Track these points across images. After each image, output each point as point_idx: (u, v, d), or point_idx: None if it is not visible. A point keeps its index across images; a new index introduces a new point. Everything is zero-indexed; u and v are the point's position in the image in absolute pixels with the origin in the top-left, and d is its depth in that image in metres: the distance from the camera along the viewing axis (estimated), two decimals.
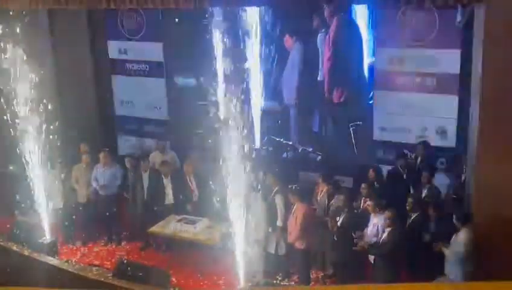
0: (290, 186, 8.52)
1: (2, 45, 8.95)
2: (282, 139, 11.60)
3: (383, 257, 7.63)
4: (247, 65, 11.40)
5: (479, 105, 7.53)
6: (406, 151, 9.76)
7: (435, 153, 9.70)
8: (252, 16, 11.30)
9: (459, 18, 9.10)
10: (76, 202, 10.18)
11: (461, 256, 7.11)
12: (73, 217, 10.14)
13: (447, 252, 7.24)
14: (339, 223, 8.09)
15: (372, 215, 7.97)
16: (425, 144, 9.53)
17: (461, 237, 7.18)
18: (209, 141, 7.50)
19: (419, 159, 9.43)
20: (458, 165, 9.17)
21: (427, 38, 9.61)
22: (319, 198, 8.86)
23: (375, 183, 8.95)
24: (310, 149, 11.46)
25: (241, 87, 7.35)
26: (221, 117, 7.25)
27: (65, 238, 10.19)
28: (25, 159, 9.23)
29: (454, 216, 7.28)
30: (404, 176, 9.18)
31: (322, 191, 8.87)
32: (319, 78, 11.02)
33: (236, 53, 7.84)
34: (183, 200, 9.73)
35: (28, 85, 9.08)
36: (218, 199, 7.52)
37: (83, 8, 10.39)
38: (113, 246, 10.09)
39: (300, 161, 11.33)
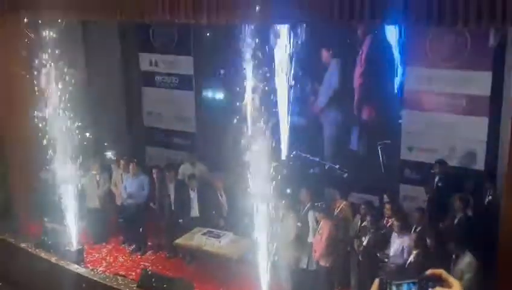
0: (316, 204, 8.52)
1: (36, 54, 9.18)
2: (308, 155, 11.61)
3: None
4: (277, 80, 11.50)
5: (510, 127, 7.43)
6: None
7: (463, 175, 9.59)
8: (284, 30, 11.38)
9: (491, 40, 9.03)
10: (113, 204, 10.46)
11: (467, 282, 6.95)
12: (109, 218, 10.55)
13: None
14: (364, 243, 8.05)
15: (396, 235, 7.91)
16: (441, 162, 9.42)
17: (462, 264, 7.07)
18: (238, 155, 7.55)
19: (436, 178, 9.35)
20: (484, 188, 9.06)
21: (458, 59, 9.56)
22: (337, 213, 8.82)
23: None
24: (337, 166, 11.45)
25: (270, 102, 7.40)
26: (250, 131, 7.30)
27: (96, 238, 10.52)
28: (55, 165, 9.44)
29: (454, 243, 7.17)
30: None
31: (340, 206, 8.84)
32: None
33: (266, 68, 7.87)
34: (214, 215, 9.78)
35: (59, 93, 9.29)
36: (247, 213, 7.54)
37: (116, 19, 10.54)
38: (138, 256, 10.18)
39: (327, 178, 11.31)
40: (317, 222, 8.43)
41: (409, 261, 7.58)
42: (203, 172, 10.60)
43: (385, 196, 9.03)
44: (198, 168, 10.68)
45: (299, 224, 8.57)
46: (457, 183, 9.25)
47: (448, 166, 9.40)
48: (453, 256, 7.22)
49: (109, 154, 11.21)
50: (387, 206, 8.56)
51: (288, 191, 8.78)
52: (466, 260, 7.04)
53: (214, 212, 9.76)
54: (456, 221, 8.42)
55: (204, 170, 10.69)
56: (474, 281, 6.98)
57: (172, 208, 9.95)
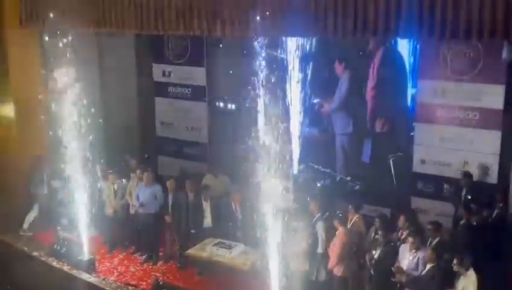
0: (337, 212, 8.56)
1: (51, 63, 9.30)
2: (320, 167, 11.63)
3: None
4: (288, 92, 11.55)
5: None
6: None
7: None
8: (295, 43, 11.46)
9: (504, 54, 9.02)
10: (127, 213, 10.50)
11: None
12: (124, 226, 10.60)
13: None
14: (375, 256, 8.02)
15: (409, 248, 7.85)
16: (468, 174, 9.39)
17: (466, 281, 7.00)
18: (249, 166, 7.56)
19: (464, 190, 9.33)
20: (498, 201, 9.02)
21: (471, 72, 9.54)
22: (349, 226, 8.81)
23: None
24: (348, 178, 11.45)
25: (281, 113, 7.42)
26: (261, 142, 7.31)
27: (111, 247, 10.62)
28: (68, 174, 9.54)
29: (455, 260, 7.09)
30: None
31: (352, 220, 8.83)
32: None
33: (278, 79, 7.90)
34: (227, 225, 9.77)
35: (73, 103, 9.39)
36: (259, 225, 7.55)
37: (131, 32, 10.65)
38: (150, 266, 10.20)
39: (338, 189, 11.30)
40: (335, 230, 8.41)
41: (422, 275, 7.52)
42: (225, 183, 10.56)
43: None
44: (220, 179, 10.68)
45: (309, 235, 8.55)
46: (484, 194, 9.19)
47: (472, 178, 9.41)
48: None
49: (122, 164, 11.24)
50: (402, 218, 8.52)
51: (299, 202, 8.79)
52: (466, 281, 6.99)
53: (230, 224, 9.73)
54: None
55: (227, 181, 10.66)
56: None
57: (186, 218, 9.96)
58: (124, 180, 10.57)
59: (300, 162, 11.72)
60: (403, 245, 7.96)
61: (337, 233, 8.36)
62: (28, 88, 10.80)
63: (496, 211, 8.83)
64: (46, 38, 9.67)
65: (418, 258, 7.67)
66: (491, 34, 6.70)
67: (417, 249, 7.72)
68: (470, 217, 8.38)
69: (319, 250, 8.57)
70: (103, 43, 12.47)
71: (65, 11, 9.57)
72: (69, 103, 9.39)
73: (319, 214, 8.70)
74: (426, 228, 8.21)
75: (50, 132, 9.57)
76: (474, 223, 8.36)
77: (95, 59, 12.48)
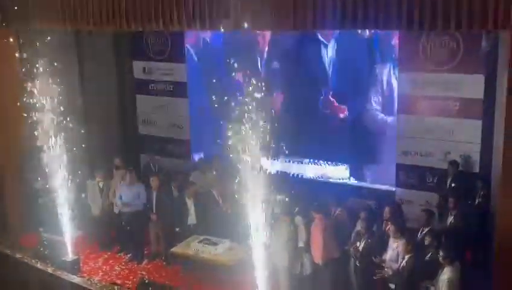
0: (312, 203, 8.56)
1: (29, 62, 9.18)
2: (301, 159, 11.61)
3: (403, 285, 7.54)
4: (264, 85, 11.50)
5: (503, 130, 7.46)
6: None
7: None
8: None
9: (483, 43, 9.09)
10: (112, 213, 10.47)
11: None
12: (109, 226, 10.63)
13: None
14: (360, 248, 8.06)
15: (392, 239, 7.92)
16: (454, 163, 9.50)
17: (446, 276, 7.03)
18: (230, 161, 7.54)
19: (449, 179, 9.42)
20: (479, 190, 9.11)
21: (450, 63, 9.61)
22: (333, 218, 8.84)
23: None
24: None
25: (263, 106, 7.38)
26: (242, 136, 7.27)
27: (99, 246, 10.66)
28: (50, 175, 9.43)
29: (440, 253, 7.12)
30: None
31: (335, 213, 8.87)
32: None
33: (257, 74, 7.87)
34: (212, 222, 9.76)
35: (53, 101, 9.28)
36: (241, 220, 7.54)
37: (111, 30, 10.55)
38: (135, 265, 10.15)
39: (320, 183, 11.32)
40: (313, 220, 8.42)
41: (402, 266, 7.56)
42: (212, 180, 10.48)
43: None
44: (208, 176, 10.63)
45: (291, 228, 8.55)
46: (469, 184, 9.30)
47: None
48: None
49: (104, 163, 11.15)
50: (386, 210, 8.57)
51: (280, 196, 8.78)
52: (446, 275, 7.03)
53: (214, 220, 9.71)
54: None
55: (215, 177, 10.58)
56: None
57: (170, 216, 9.92)
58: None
59: (281, 154, 11.66)
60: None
61: (314, 222, 8.38)
62: (5, 86, 10.63)
63: (477, 200, 8.93)
64: (21, 40, 9.57)
65: (397, 249, 7.73)
66: (470, 23, 6.72)
67: (396, 239, 7.78)
68: (455, 205, 8.46)
69: (300, 244, 8.58)
70: (81, 43, 12.32)
71: (39, 9, 9.45)
72: (48, 103, 9.28)
73: (297, 208, 8.71)
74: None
75: (28, 132, 9.44)
76: (457, 213, 8.45)
77: (75, 59, 12.33)
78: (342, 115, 11.20)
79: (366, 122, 10.98)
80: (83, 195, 10.39)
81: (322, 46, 11.15)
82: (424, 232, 8.09)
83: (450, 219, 8.48)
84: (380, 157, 10.93)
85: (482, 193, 8.92)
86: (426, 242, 7.72)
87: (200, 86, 12.28)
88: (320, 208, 8.53)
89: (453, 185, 9.31)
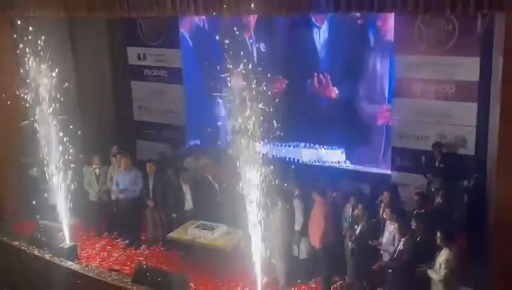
0: (310, 187, 8.59)
1: (23, 49, 9.11)
2: (297, 144, 11.61)
3: (400, 270, 7.57)
4: (260, 71, 11.46)
5: (499, 112, 7.47)
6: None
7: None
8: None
9: (479, 26, 9.06)
10: (110, 199, 10.49)
11: (444, 277, 6.99)
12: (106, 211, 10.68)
13: (431, 272, 7.13)
14: (357, 232, 8.08)
15: (388, 223, 7.94)
16: (438, 145, 9.58)
17: (443, 258, 7.05)
18: (228, 148, 7.54)
19: (437, 161, 9.45)
20: (474, 172, 9.16)
21: (446, 46, 9.58)
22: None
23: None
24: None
25: (259, 93, 7.35)
26: (238, 123, 7.25)
27: (95, 232, 10.71)
28: (48, 161, 9.41)
29: (438, 235, 7.11)
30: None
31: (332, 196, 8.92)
32: None
33: (251, 60, 7.81)
34: (208, 207, 9.76)
35: (48, 89, 9.22)
36: (238, 204, 7.55)
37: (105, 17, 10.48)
38: (133, 251, 10.17)
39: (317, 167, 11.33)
40: (313, 202, 8.45)
41: (398, 249, 7.59)
42: (206, 165, 10.43)
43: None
44: (202, 162, 10.61)
45: (288, 212, 8.56)
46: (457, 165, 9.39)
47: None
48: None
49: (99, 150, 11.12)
50: (383, 193, 8.59)
51: (277, 181, 8.78)
52: (444, 257, 7.06)
53: (209, 204, 9.73)
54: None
55: (209, 163, 10.54)
56: (450, 276, 7.01)
57: (165, 202, 9.94)
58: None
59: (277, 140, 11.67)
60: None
61: (315, 205, 8.40)
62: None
63: (472, 182, 8.97)
64: (18, 23, 9.47)
65: (394, 232, 7.76)
66: (465, 5, 6.70)
67: (392, 222, 7.80)
68: (441, 186, 8.51)
69: (297, 227, 8.61)
70: (75, 29, 12.23)
71: None
72: (43, 89, 9.22)
73: (296, 192, 8.72)
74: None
75: (24, 120, 9.41)
76: (449, 195, 8.52)
77: (68, 45, 12.26)
78: (334, 95, 11.23)
79: (361, 105, 10.97)
80: (79, 181, 10.36)
81: (315, 28, 11.12)
82: (417, 214, 8.11)
83: (437, 199, 8.54)
84: (375, 140, 10.94)
85: (476, 175, 8.95)
86: (421, 225, 7.74)
87: (195, 71, 12.23)
88: (321, 191, 8.55)
89: (441, 166, 9.34)
